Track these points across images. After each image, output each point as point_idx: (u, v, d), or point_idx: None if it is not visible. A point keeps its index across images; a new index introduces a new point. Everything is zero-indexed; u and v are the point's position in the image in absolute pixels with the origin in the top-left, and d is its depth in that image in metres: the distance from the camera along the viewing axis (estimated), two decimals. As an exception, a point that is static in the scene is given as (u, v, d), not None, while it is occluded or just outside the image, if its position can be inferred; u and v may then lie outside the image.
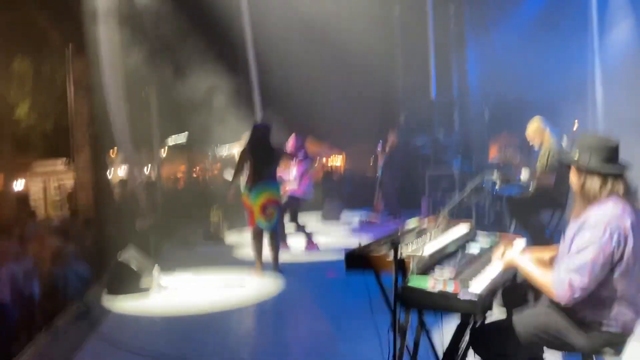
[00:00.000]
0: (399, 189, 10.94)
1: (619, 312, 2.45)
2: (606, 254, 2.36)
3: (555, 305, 2.54)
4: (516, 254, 2.78)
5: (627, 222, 2.40)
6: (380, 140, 11.04)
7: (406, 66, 14.81)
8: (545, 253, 2.87)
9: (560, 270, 2.43)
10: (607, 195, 2.47)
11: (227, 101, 11.39)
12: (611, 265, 2.39)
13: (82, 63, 11.36)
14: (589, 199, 2.51)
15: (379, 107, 15.28)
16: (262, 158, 6.58)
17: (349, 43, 14.21)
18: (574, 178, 2.60)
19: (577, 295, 2.37)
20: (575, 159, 2.56)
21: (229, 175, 7.94)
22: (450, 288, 2.38)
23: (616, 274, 2.41)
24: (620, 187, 2.48)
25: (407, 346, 2.69)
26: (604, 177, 2.49)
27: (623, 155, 2.56)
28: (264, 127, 6.89)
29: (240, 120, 11.38)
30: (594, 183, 2.50)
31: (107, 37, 8.80)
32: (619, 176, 2.51)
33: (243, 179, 6.74)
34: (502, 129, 14.01)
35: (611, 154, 2.52)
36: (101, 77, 9.00)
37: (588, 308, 2.47)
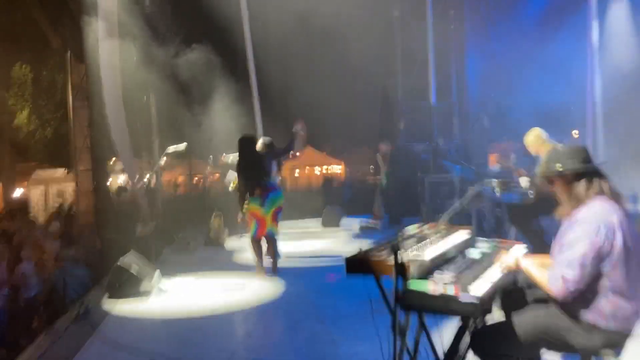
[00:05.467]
0: (399, 195, 10.92)
1: (618, 308, 2.49)
2: (595, 248, 2.46)
3: (554, 305, 2.58)
4: (519, 255, 2.83)
5: (614, 218, 2.52)
6: (380, 147, 11.03)
7: (406, 71, 14.86)
8: (547, 259, 2.89)
9: (554, 267, 2.53)
10: (595, 195, 2.60)
11: (226, 107, 11.42)
12: (601, 258, 2.48)
13: (81, 70, 11.37)
14: (578, 201, 2.63)
15: (378, 113, 15.32)
16: (259, 169, 6.71)
17: (349, 48, 14.30)
18: (560, 188, 2.72)
19: (571, 289, 2.45)
20: (560, 168, 2.68)
21: (230, 178, 7.96)
22: (450, 291, 2.40)
23: (608, 268, 2.49)
24: (606, 187, 2.63)
25: (407, 347, 2.70)
26: (590, 178, 2.63)
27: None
28: (248, 138, 7.02)
29: (240, 126, 11.41)
30: (581, 186, 2.64)
31: (106, 43, 8.81)
32: (603, 177, 2.65)
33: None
34: (502, 135, 14.07)
35: (586, 156, 2.68)
36: (101, 84, 9.00)
37: (586, 305, 2.52)
